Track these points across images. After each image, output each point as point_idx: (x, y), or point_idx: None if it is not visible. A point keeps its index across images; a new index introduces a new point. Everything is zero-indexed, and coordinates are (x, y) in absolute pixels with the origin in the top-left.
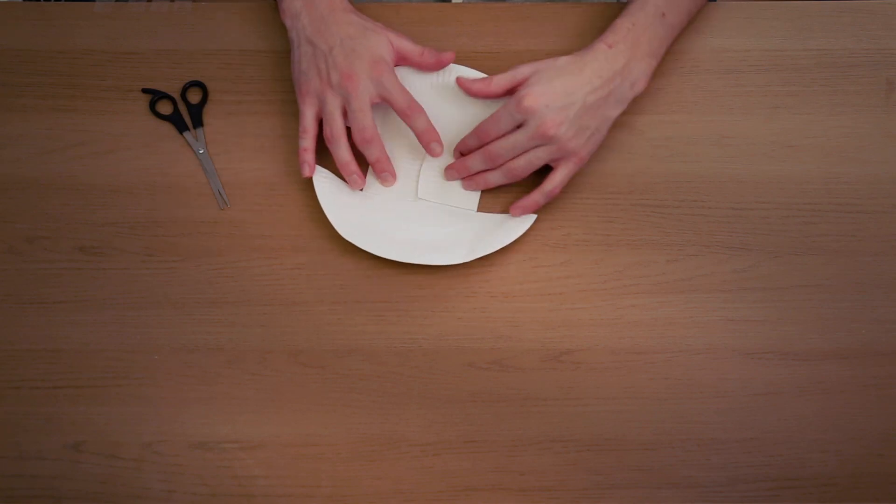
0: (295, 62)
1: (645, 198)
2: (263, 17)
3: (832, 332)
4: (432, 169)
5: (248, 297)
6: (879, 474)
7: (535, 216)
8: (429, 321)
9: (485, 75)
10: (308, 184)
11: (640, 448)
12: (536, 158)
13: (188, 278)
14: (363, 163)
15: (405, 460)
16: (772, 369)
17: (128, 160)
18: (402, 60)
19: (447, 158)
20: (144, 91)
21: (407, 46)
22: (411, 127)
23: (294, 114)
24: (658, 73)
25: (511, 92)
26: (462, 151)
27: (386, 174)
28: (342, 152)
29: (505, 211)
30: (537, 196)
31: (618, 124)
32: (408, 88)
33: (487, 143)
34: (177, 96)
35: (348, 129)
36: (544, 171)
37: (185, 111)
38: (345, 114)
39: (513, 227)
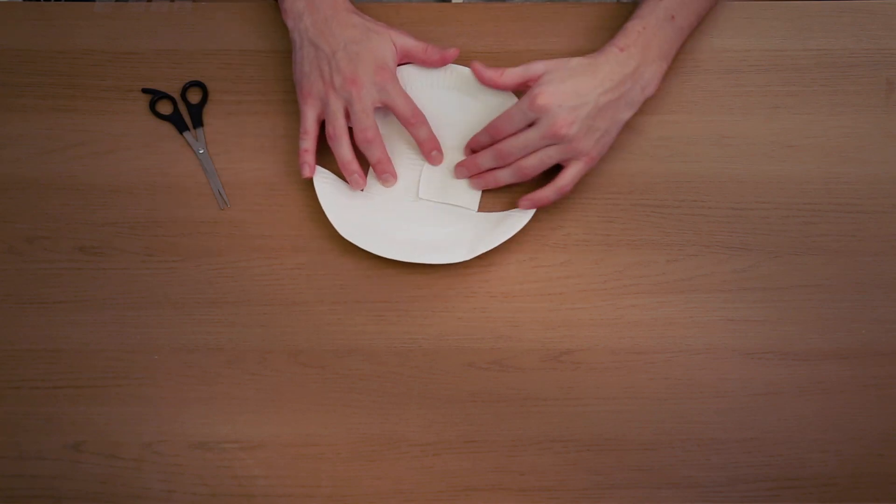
0: (297, 63)
1: (645, 198)
2: (263, 17)
3: (832, 332)
4: (434, 169)
5: (248, 297)
6: (879, 474)
7: (533, 211)
8: (429, 321)
9: None
10: (308, 184)
11: (640, 448)
12: (547, 157)
13: (188, 278)
14: (364, 164)
15: (405, 460)
16: (772, 369)
17: (128, 160)
18: (406, 58)
19: (448, 158)
20: (144, 91)
21: (410, 44)
22: (413, 135)
23: (294, 114)
24: None
25: (521, 86)
26: (473, 148)
27: (387, 175)
28: (344, 151)
29: (506, 209)
30: (549, 192)
31: None
32: (408, 89)
33: (499, 141)
34: (177, 96)
35: (350, 130)
36: (551, 171)
37: (185, 111)
38: (347, 115)
39: (511, 224)
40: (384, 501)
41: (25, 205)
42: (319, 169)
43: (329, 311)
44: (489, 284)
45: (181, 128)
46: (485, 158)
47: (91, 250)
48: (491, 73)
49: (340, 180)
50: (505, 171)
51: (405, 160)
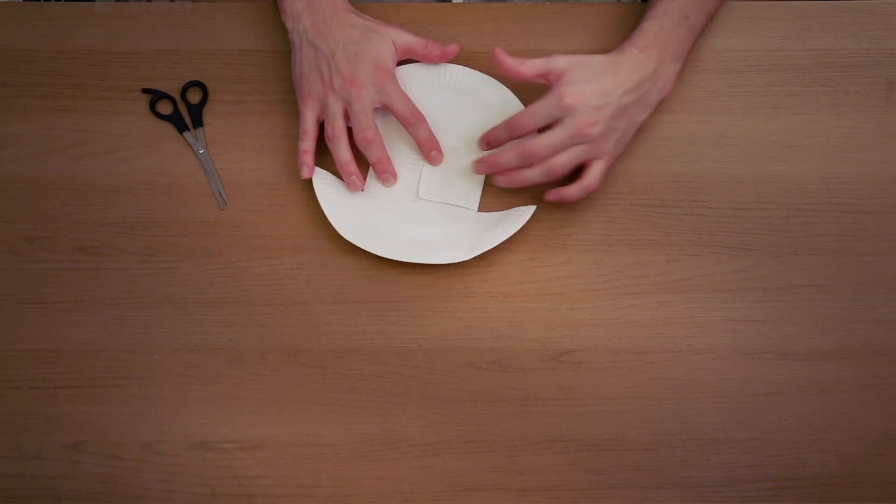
0: (296, 64)
1: (645, 198)
2: (263, 17)
3: (832, 332)
4: (433, 169)
5: (248, 297)
6: (879, 474)
7: (533, 208)
8: (429, 321)
9: (483, 75)
10: (308, 184)
11: (640, 448)
12: (575, 157)
13: (188, 278)
14: (363, 164)
15: (405, 460)
16: (772, 369)
17: (128, 160)
18: (406, 55)
19: (448, 158)
20: (144, 91)
21: (411, 40)
22: (413, 135)
23: (294, 114)
24: None
25: (539, 78)
26: (489, 142)
27: (387, 175)
28: (342, 152)
29: (505, 209)
30: (576, 190)
31: None
32: (408, 89)
33: (521, 137)
34: (177, 96)
35: (350, 131)
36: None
37: (185, 111)
38: (346, 115)
39: (511, 223)
40: (384, 501)
41: (25, 205)
42: (318, 169)
43: (329, 311)
44: (489, 284)
45: (181, 128)
46: (508, 157)
47: (91, 250)
48: (511, 62)
49: (340, 180)
50: (534, 170)
51: (405, 160)
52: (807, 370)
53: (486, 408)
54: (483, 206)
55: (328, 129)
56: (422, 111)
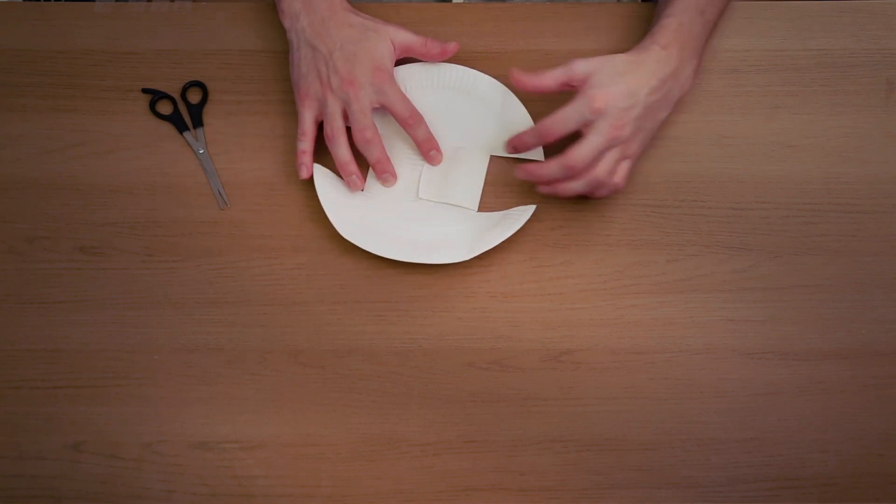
0: (294, 64)
1: (645, 198)
2: (263, 17)
3: (832, 332)
4: (433, 169)
5: (248, 297)
6: (879, 474)
7: (533, 208)
8: (429, 321)
9: (483, 75)
10: (308, 184)
11: (640, 448)
12: (612, 161)
13: (188, 278)
14: (363, 164)
15: (405, 460)
16: (772, 369)
17: (128, 160)
18: (405, 53)
19: (448, 158)
20: (144, 91)
21: (410, 39)
22: (411, 135)
23: (294, 114)
24: None
25: (563, 87)
26: (517, 147)
27: (387, 175)
28: (342, 151)
29: (505, 209)
30: (604, 191)
31: None
32: (406, 89)
33: (550, 142)
34: (177, 96)
35: (349, 130)
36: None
37: (185, 111)
38: (345, 115)
39: (511, 223)
40: (384, 501)
41: (25, 205)
42: (319, 168)
43: (329, 311)
44: (489, 284)
45: (181, 128)
46: (551, 170)
47: (91, 250)
48: (531, 79)
49: (340, 180)
50: (579, 183)
51: (405, 160)
52: (807, 370)
53: (486, 408)
54: (483, 206)
55: (327, 130)
56: (421, 111)
